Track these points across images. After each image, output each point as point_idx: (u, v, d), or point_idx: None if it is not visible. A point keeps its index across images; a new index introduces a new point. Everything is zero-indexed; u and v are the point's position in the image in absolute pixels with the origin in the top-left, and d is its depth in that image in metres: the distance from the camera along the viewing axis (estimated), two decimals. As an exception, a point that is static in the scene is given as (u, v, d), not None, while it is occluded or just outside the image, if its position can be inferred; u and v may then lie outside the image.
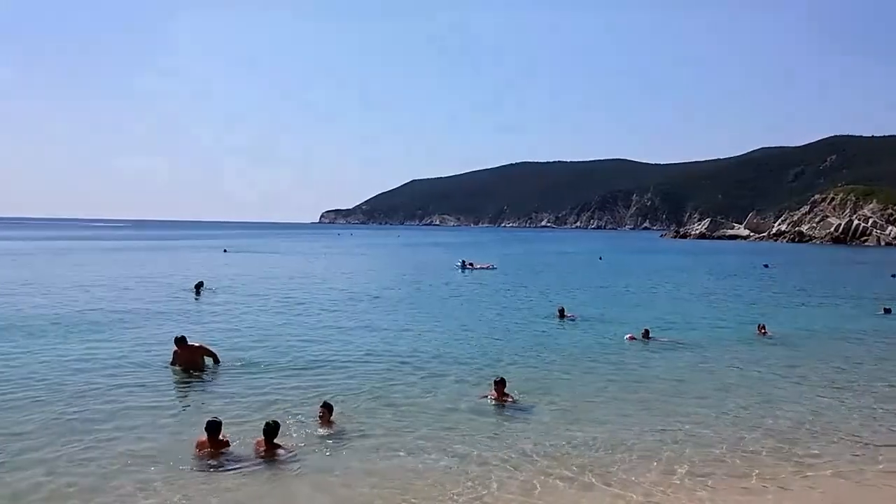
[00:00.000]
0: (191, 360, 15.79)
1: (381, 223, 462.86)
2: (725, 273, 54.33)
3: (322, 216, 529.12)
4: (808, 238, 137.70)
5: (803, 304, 33.16)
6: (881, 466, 10.40)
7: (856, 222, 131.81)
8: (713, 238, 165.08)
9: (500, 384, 13.63)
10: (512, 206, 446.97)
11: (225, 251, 75.50)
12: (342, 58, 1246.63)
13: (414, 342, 20.36)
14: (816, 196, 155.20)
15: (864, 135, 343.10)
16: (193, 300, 30.09)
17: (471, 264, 53.75)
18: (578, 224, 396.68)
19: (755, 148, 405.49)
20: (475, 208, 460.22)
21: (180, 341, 15.95)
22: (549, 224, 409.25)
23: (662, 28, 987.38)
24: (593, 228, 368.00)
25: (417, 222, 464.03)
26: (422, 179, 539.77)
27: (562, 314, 25.62)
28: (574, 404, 13.59)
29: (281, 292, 33.65)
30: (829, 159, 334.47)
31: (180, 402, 13.77)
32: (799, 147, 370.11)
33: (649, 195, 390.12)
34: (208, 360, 16.08)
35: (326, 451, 10.69)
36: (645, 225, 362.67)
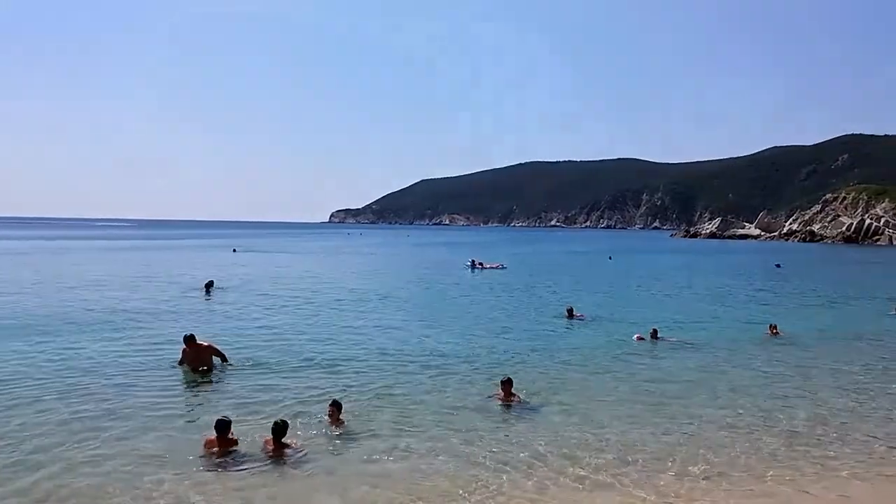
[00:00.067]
0: (199, 359, 15.80)
1: (390, 223, 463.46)
2: (736, 273, 53.99)
3: (332, 216, 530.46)
4: (819, 238, 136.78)
5: (815, 305, 32.90)
6: (899, 468, 10.26)
7: (868, 222, 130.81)
8: (724, 237, 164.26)
9: (507, 384, 13.58)
10: (521, 205, 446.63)
11: (234, 251, 75.71)
12: (349, 57, 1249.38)
13: (423, 341, 20.33)
14: (828, 195, 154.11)
15: (877, 133, 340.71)
16: (204, 299, 30.18)
17: (480, 264, 53.66)
18: (588, 224, 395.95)
19: (767, 147, 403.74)
20: (485, 208, 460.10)
21: (189, 340, 15.97)
22: (558, 224, 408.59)
23: (672, 25, 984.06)
24: (603, 228, 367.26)
25: (427, 222, 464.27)
26: (431, 179, 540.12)
27: (570, 314, 25.52)
28: (584, 404, 13.50)
29: (290, 291, 33.70)
30: (841, 158, 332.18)
31: (189, 401, 13.78)
32: (811, 146, 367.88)
33: (659, 194, 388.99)
34: (216, 360, 16.11)
35: (335, 451, 10.67)
36: (655, 224, 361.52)
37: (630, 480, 9.59)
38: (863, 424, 12.44)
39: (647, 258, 79.79)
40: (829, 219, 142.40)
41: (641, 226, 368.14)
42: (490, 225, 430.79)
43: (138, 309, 25.95)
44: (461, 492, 9.11)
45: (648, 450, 10.82)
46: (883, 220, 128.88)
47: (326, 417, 11.86)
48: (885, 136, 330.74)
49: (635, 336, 21.08)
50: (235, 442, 10.51)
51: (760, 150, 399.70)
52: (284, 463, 10.07)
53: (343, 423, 11.76)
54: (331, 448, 10.78)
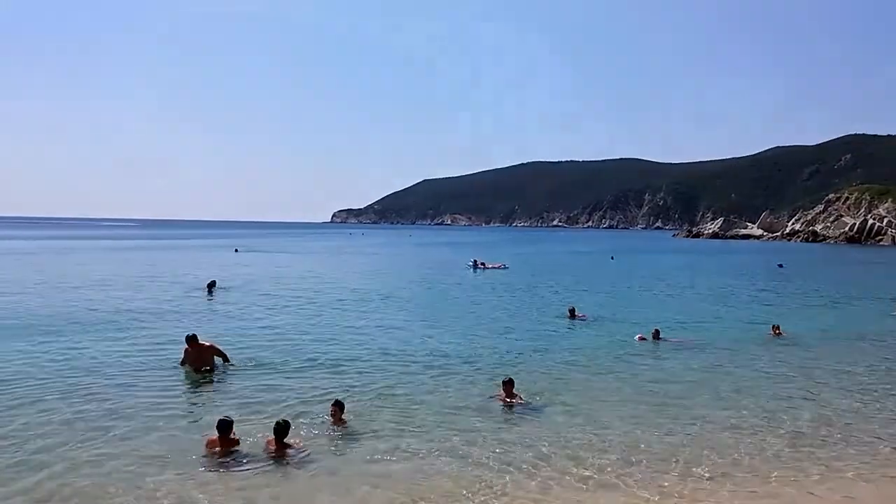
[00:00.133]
0: (201, 359, 15.80)
1: (392, 223, 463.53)
2: (739, 273, 53.92)
3: (334, 216, 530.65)
4: (822, 238, 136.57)
5: (818, 305, 32.84)
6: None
7: (870, 222, 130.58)
8: (726, 238, 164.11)
9: (508, 384, 13.56)
10: (523, 205, 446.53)
11: (236, 251, 75.73)
12: (349, 57, 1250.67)
13: (425, 341, 20.31)
14: (831, 195, 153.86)
15: (880, 133, 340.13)
16: (206, 299, 30.19)
17: (482, 264, 53.64)
18: (590, 224, 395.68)
19: (769, 147, 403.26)
20: (487, 208, 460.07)
21: (191, 339, 15.97)
22: (560, 224, 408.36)
23: (672, 25, 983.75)
24: (605, 228, 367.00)
25: (429, 222, 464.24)
26: (433, 179, 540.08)
27: (572, 314, 25.48)
28: (586, 405, 13.47)
29: (292, 291, 33.70)
30: (843, 158, 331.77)
31: (191, 400, 13.78)
32: (813, 146, 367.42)
33: (662, 195, 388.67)
34: (218, 360, 16.10)
35: (337, 451, 10.65)
36: (657, 224, 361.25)
37: (634, 481, 9.56)
38: (867, 425, 12.39)
39: (649, 258, 79.71)
40: (831, 219, 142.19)
41: (644, 226, 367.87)
42: (492, 225, 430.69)
43: (141, 309, 25.96)
44: (464, 492, 9.08)
45: (652, 450, 10.78)
46: (886, 221, 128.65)
47: (329, 417, 11.85)
48: (888, 135, 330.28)
49: (637, 336, 21.04)
50: (237, 442, 10.49)
51: (763, 150, 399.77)
52: (286, 463, 10.05)
53: (345, 422, 11.75)
54: (333, 448, 10.77)
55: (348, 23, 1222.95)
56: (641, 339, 20.83)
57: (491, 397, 13.67)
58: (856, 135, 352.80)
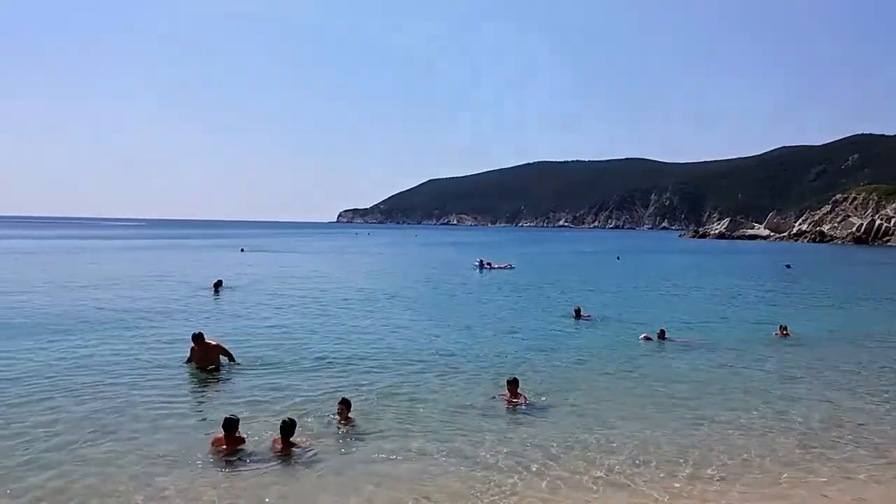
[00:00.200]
0: (207, 358, 15.80)
1: (398, 223, 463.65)
2: (745, 273, 53.74)
3: (340, 215, 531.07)
4: (829, 238, 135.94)
5: (825, 305, 32.68)
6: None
7: (878, 222, 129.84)
8: (733, 238, 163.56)
9: (512, 384, 13.51)
10: (529, 205, 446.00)
11: (242, 250, 75.89)
12: (349, 57, 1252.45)
13: (430, 341, 20.29)
14: (838, 195, 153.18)
15: (888, 133, 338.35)
16: (213, 299, 30.24)
17: (488, 264, 53.61)
18: (596, 224, 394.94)
19: (776, 147, 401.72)
20: (492, 208, 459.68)
21: (198, 338, 15.97)
22: (566, 224, 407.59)
23: (674, 25, 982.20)
24: (611, 228, 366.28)
25: (435, 222, 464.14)
26: (439, 179, 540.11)
27: (578, 314, 25.42)
28: (593, 405, 13.41)
29: (298, 291, 33.74)
30: (851, 158, 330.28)
31: (198, 399, 13.78)
32: (820, 146, 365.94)
33: (668, 195, 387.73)
34: (224, 359, 16.11)
35: (344, 450, 10.62)
36: (663, 225, 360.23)
37: (643, 481, 9.49)
38: (878, 427, 12.28)
39: (655, 258, 79.53)
40: (838, 219, 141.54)
41: (650, 226, 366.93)
42: (498, 225, 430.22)
43: (148, 308, 26.04)
44: (472, 492, 9.03)
45: (661, 451, 10.71)
46: (893, 221, 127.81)
47: (335, 416, 11.83)
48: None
49: (642, 336, 20.95)
50: (243, 440, 10.48)
51: (769, 150, 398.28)
52: (293, 462, 10.03)
53: (352, 421, 11.73)
54: (339, 447, 10.74)
55: (348, 23, 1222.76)
56: (646, 338, 20.75)
57: (494, 397, 13.63)
58: (863, 135, 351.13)
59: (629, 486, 9.39)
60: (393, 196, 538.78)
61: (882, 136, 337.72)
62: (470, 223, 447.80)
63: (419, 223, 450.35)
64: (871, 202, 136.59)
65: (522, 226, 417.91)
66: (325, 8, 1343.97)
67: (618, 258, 74.47)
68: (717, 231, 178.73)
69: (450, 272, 50.83)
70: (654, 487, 9.30)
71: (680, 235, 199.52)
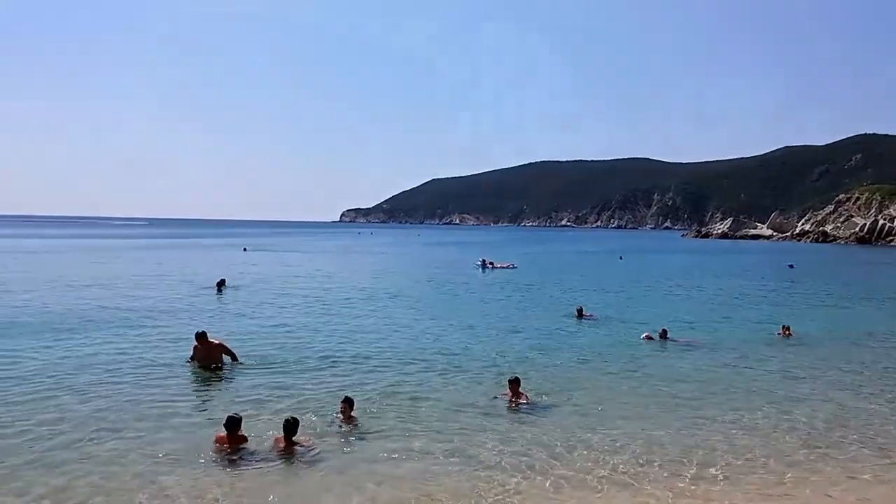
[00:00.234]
0: (209, 357, 15.82)
1: (401, 222, 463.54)
2: (748, 273, 53.65)
3: (342, 215, 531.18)
4: (832, 238, 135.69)
5: (828, 305, 32.62)
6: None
7: (881, 222, 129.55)
8: (735, 238, 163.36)
9: (514, 383, 13.50)
10: (532, 205, 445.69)
11: (245, 250, 75.95)
12: (349, 57, 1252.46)
13: (433, 340, 20.29)
14: (841, 195, 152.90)
15: (891, 133, 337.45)
16: (216, 298, 30.27)
17: (491, 263, 53.59)
18: (599, 223, 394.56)
19: (779, 147, 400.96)
20: (495, 207, 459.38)
21: (201, 336, 15.99)
22: (569, 223, 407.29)
23: (683, 25, 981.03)
24: (614, 228, 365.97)
25: (437, 221, 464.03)
26: (441, 179, 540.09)
27: (580, 314, 25.40)
28: (595, 404, 13.39)
29: (301, 290, 33.75)
30: (854, 158, 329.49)
31: (200, 398, 13.78)
32: (823, 146, 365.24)
33: (670, 194, 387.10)
34: (226, 359, 16.12)
35: (347, 449, 10.61)
36: (666, 224, 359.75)
37: (648, 481, 9.48)
38: (883, 427, 12.24)
39: (658, 258, 79.44)
40: (841, 219, 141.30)
41: (652, 226, 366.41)
42: (500, 225, 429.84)
43: (152, 307, 26.08)
44: (475, 491, 9.02)
45: (665, 450, 10.69)
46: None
47: (338, 415, 11.83)
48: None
49: (643, 335, 20.92)
50: (245, 439, 10.48)
51: (772, 149, 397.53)
52: (295, 460, 10.03)
53: (355, 420, 11.73)
54: (342, 446, 10.74)
55: (348, 23, 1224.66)
56: (648, 338, 20.71)
57: (496, 397, 13.62)
58: (865, 135, 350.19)
59: (633, 485, 9.38)
60: (395, 196, 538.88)
61: (885, 135, 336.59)
62: (472, 223, 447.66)
63: (422, 223, 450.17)
64: (874, 202, 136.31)
65: (525, 225, 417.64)
66: (325, 8, 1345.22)
67: (620, 258, 74.40)
68: (719, 231, 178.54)
69: (452, 272, 50.81)
70: (659, 487, 9.28)
71: (682, 235, 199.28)
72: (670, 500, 8.90)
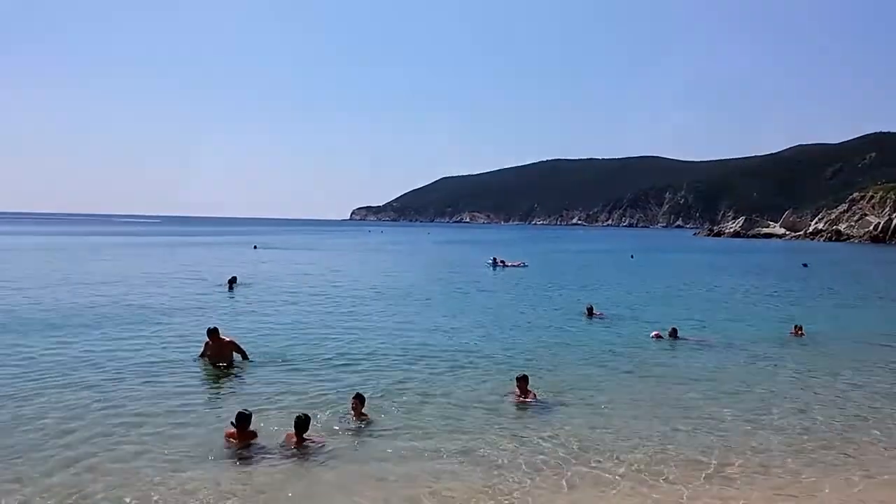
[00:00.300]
0: (221, 354, 15.86)
1: (411, 220, 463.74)
2: (761, 272, 53.28)
3: (353, 213, 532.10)
4: (845, 237, 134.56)
5: (842, 305, 32.29)
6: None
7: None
8: (748, 237, 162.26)
9: (522, 381, 13.44)
10: (542, 203, 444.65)
11: (255, 248, 76.19)
12: (365, 56, 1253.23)
13: (444, 338, 20.27)
14: (855, 194, 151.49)
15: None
16: (227, 295, 30.39)
17: (502, 262, 53.48)
18: (610, 222, 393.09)
19: (792, 145, 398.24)
20: (505, 206, 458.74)
21: (213, 333, 16.03)
22: (580, 222, 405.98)
23: (694, 24, 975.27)
24: (625, 226, 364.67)
25: (447, 220, 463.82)
26: (452, 177, 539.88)
27: (591, 312, 25.30)
28: (606, 403, 13.30)
29: (312, 288, 33.83)
30: (868, 156, 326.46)
31: (211, 393, 13.81)
32: (836, 144, 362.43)
33: (682, 193, 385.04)
34: (237, 356, 16.17)
35: (357, 446, 10.60)
36: (678, 223, 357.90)
37: (664, 480, 9.41)
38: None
39: (669, 257, 79.02)
40: (855, 218, 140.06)
41: (664, 224, 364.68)
42: (511, 223, 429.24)
43: (164, 304, 26.21)
44: (489, 490, 8.98)
45: (680, 450, 10.61)
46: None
47: (350, 411, 11.84)
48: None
49: (652, 334, 20.80)
50: (255, 435, 10.50)
51: (785, 148, 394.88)
52: (306, 457, 10.03)
53: (366, 417, 11.72)
54: (353, 443, 10.72)
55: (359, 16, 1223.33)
56: (657, 336, 20.58)
57: (506, 395, 13.57)
58: (879, 133, 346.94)
59: (649, 482, 9.31)
60: (406, 194, 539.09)
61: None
62: (483, 221, 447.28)
63: (432, 221, 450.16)
64: (888, 201, 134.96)
65: (535, 224, 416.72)
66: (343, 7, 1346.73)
67: (631, 256, 74.08)
68: (731, 230, 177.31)
69: (463, 270, 50.78)
70: (675, 486, 9.19)
71: (694, 234, 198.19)
72: (687, 499, 8.83)
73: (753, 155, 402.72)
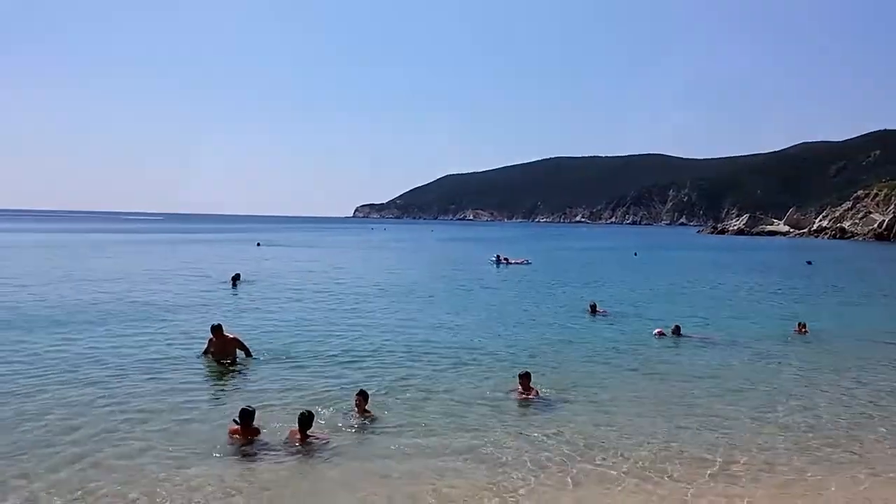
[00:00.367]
0: (224, 351, 15.86)
1: (414, 218, 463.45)
2: (765, 270, 53.16)
3: (356, 211, 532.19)
4: (850, 235, 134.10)
5: (846, 303, 32.20)
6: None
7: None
8: (751, 234, 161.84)
9: (524, 378, 13.42)
10: (546, 201, 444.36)
11: (258, 245, 76.24)
12: (368, 56, 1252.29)
13: (447, 335, 20.26)
14: (859, 192, 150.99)
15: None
16: (231, 292, 30.41)
17: (505, 259, 53.45)
18: (613, 219, 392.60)
19: (796, 143, 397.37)
20: (509, 203, 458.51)
21: (216, 329, 16.04)
22: (583, 219, 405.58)
23: (694, 24, 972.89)
24: (628, 224, 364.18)
25: (451, 217, 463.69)
26: (455, 174, 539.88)
27: (594, 310, 25.25)
28: (609, 400, 13.27)
29: (315, 285, 33.84)
30: (872, 154, 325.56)
31: (215, 390, 13.82)
32: (840, 142, 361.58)
33: (686, 190, 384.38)
34: (240, 353, 16.18)
35: (361, 443, 10.59)
36: (681, 221, 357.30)
37: (669, 477, 9.38)
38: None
39: (673, 254, 78.89)
40: (860, 216, 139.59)
41: (667, 222, 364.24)
42: (514, 220, 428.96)
43: (168, 301, 26.24)
44: (493, 487, 8.95)
45: (684, 447, 10.57)
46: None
47: (353, 408, 11.83)
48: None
49: (655, 331, 20.75)
50: (258, 431, 10.49)
51: (790, 145, 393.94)
52: (310, 454, 10.02)
53: (370, 413, 11.71)
54: (357, 440, 10.72)
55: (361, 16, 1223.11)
56: (660, 333, 20.52)
57: (509, 392, 13.55)
58: (884, 131, 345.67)
59: (654, 479, 9.29)
60: (409, 191, 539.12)
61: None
62: (486, 219, 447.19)
63: (435, 219, 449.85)
64: (892, 198, 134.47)
65: (539, 221, 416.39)
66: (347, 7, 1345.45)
67: (635, 254, 73.97)
68: (735, 227, 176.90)
69: (466, 267, 50.77)
70: (680, 483, 9.17)
71: (698, 231, 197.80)
72: (691, 497, 8.81)
73: (757, 152, 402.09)
